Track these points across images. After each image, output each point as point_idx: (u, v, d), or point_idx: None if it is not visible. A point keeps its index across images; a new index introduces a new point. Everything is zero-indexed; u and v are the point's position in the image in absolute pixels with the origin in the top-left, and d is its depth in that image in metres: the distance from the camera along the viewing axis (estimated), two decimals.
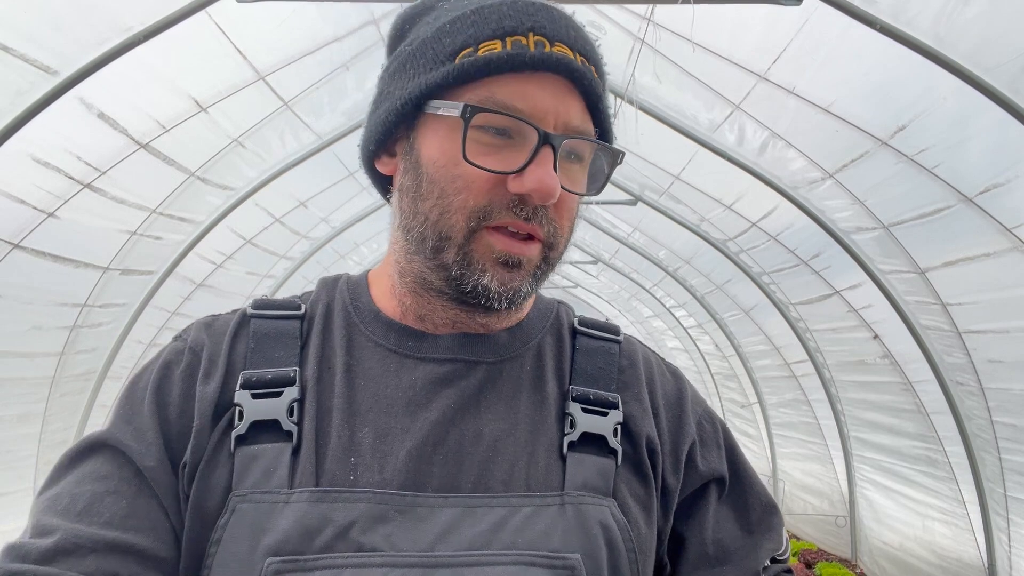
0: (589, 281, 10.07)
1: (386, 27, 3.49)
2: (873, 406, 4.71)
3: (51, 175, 2.88)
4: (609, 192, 5.56)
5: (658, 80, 3.72)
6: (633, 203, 5.43)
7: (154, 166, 3.33)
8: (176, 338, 0.72)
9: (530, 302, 0.78)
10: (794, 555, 5.62)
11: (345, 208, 5.48)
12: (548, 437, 0.68)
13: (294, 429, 0.63)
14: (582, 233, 7.80)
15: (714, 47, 3.21)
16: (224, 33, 2.93)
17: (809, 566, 5.35)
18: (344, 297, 0.74)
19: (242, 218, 4.42)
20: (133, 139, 3.08)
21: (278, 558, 0.56)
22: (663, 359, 0.84)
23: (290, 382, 0.65)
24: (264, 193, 4.32)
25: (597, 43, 0.69)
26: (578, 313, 0.82)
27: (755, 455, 7.24)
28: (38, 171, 2.81)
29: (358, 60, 3.67)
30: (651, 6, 3.08)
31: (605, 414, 0.70)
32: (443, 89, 0.62)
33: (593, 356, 0.75)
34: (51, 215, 3.00)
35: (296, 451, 0.62)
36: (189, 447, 0.62)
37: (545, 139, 0.60)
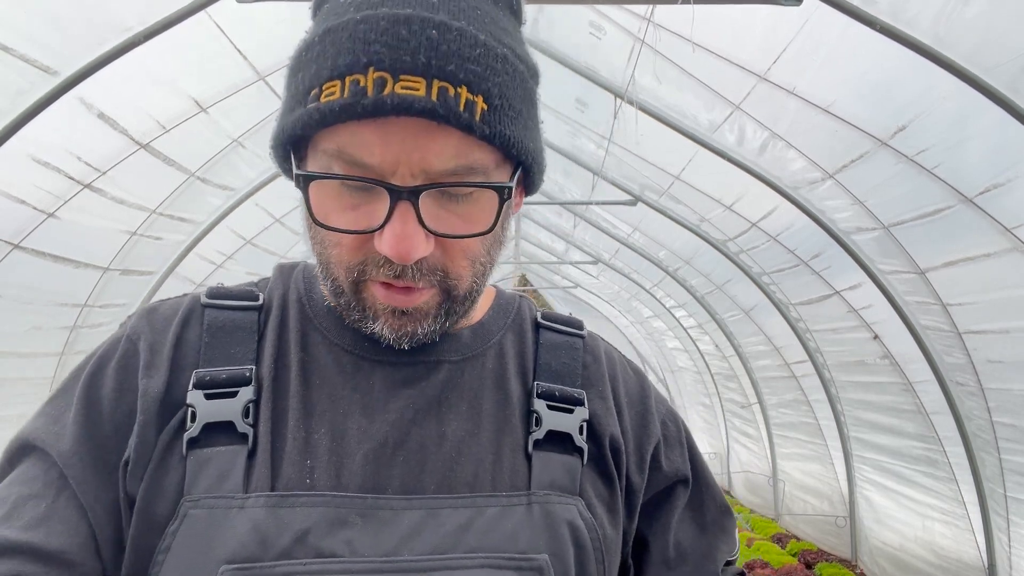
0: (589, 281, 10.07)
1: None
2: (873, 406, 4.71)
3: (51, 175, 2.88)
4: (609, 192, 5.56)
5: (658, 80, 3.72)
6: (633, 203, 5.43)
7: (154, 166, 3.33)
8: (121, 326, 0.68)
9: (489, 299, 0.76)
10: (794, 555, 5.62)
11: None
12: (513, 436, 0.66)
13: (249, 431, 0.60)
14: (582, 233, 7.80)
15: (714, 47, 3.22)
16: (224, 33, 2.93)
17: (809, 566, 5.35)
18: (299, 288, 0.71)
19: (242, 218, 4.42)
20: (133, 139, 3.08)
21: (232, 566, 0.54)
22: (625, 356, 0.82)
23: (246, 382, 0.62)
24: (264, 193, 4.32)
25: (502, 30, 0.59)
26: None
27: (755, 455, 7.25)
28: (38, 171, 2.81)
29: None
30: (651, 6, 3.08)
31: (571, 411, 0.68)
32: (303, 133, 0.56)
33: (557, 351, 0.73)
34: (51, 215, 3.00)
35: (251, 454, 0.59)
36: (131, 444, 0.59)
37: (397, 195, 0.54)
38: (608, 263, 8.15)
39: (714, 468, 8.87)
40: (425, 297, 0.60)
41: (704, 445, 9.31)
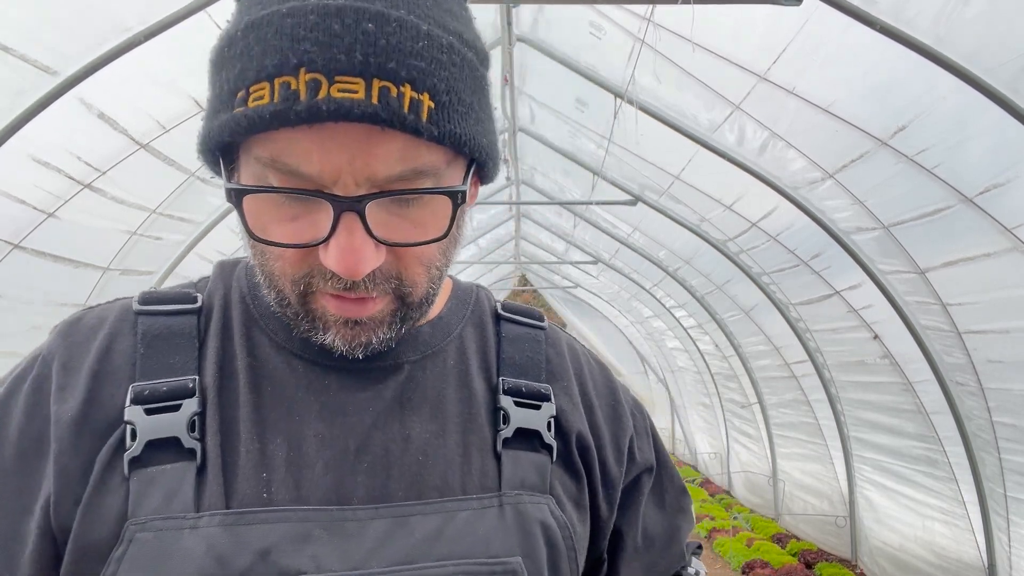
0: (589, 281, 10.07)
1: None
2: (873, 406, 4.71)
3: (51, 175, 2.88)
4: (609, 192, 5.56)
5: (658, 80, 3.72)
6: (633, 203, 5.43)
7: (154, 166, 3.33)
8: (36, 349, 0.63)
9: (446, 290, 0.72)
10: (794, 555, 5.62)
11: None
12: (480, 435, 0.63)
13: (197, 446, 0.55)
14: (582, 233, 7.81)
15: (714, 47, 3.21)
16: None
17: (809, 566, 5.35)
18: (242, 287, 0.65)
19: None
20: (133, 139, 3.08)
21: None
22: (587, 348, 0.80)
23: (189, 393, 0.57)
24: None
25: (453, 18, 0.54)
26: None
27: (755, 455, 7.25)
28: (38, 171, 2.81)
29: None
30: (651, 6, 3.08)
31: (538, 407, 0.66)
32: (231, 139, 0.51)
33: (520, 344, 0.70)
34: (51, 215, 3.00)
35: (201, 470, 0.55)
36: (50, 476, 0.54)
37: (341, 206, 0.50)
38: (608, 263, 8.15)
39: (714, 468, 8.87)
40: (379, 306, 0.56)
41: (704, 445, 9.32)
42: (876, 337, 4.31)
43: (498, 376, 0.67)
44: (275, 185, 0.51)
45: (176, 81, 3.05)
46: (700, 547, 0.81)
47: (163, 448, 0.55)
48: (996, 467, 3.58)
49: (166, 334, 0.60)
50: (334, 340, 0.57)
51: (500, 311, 0.72)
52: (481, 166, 0.58)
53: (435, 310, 0.69)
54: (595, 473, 0.69)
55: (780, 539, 6.04)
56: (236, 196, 0.52)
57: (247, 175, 0.53)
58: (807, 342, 5.18)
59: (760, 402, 6.63)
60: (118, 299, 0.65)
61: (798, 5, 2.47)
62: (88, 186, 3.07)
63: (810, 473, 6.01)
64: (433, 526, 0.57)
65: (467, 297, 0.73)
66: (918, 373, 4.02)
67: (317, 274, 0.54)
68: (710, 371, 7.97)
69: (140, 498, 0.53)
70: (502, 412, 0.65)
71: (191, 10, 2.56)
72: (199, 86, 3.14)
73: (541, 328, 0.73)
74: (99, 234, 3.41)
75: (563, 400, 0.69)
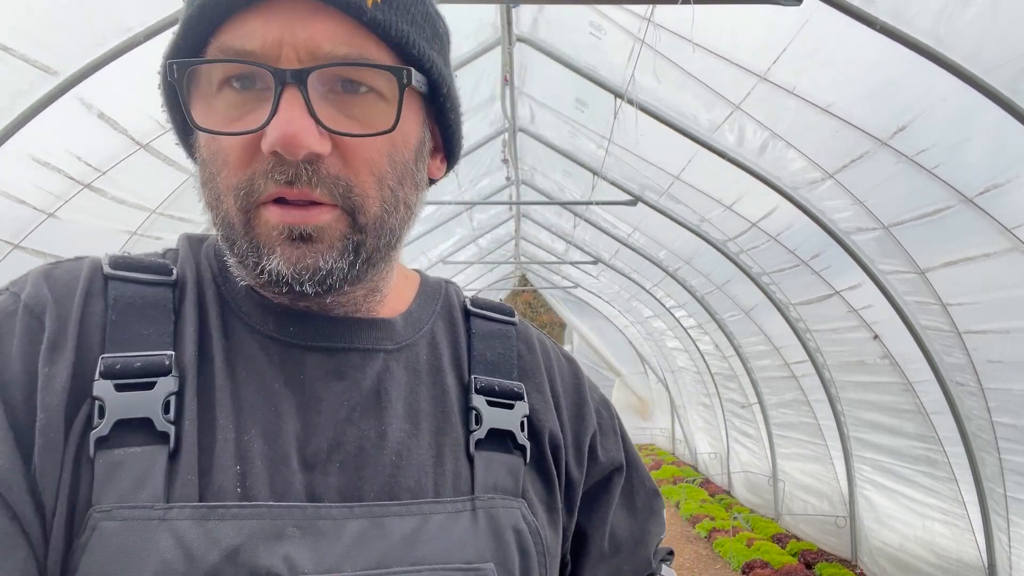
0: (589, 281, 10.07)
1: None
2: (873, 406, 4.71)
3: (51, 175, 2.88)
4: (609, 192, 5.56)
5: (658, 80, 3.72)
6: (633, 203, 5.44)
7: (154, 166, 3.33)
8: (2, 292, 0.55)
9: (414, 284, 0.70)
10: (794, 555, 5.62)
11: None
12: (453, 435, 0.61)
13: (170, 430, 0.51)
14: (582, 233, 7.81)
15: (714, 47, 3.22)
16: None
17: (809, 566, 5.35)
18: (212, 267, 0.61)
19: None
20: (133, 139, 3.08)
21: None
22: (556, 344, 0.78)
23: (164, 371, 0.53)
24: None
25: None
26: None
27: (755, 455, 7.25)
28: (38, 171, 2.82)
29: None
30: (651, 6, 3.08)
31: (511, 407, 0.64)
32: (193, 46, 0.52)
33: (491, 341, 0.68)
34: (51, 215, 3.00)
35: (173, 456, 0.51)
36: (36, 449, 0.49)
37: (284, 78, 0.49)
38: (608, 263, 8.15)
39: (714, 468, 8.87)
40: (326, 216, 0.52)
41: (704, 445, 9.32)
42: (876, 337, 4.31)
43: (470, 374, 0.65)
44: (212, 74, 0.51)
45: None
46: (672, 553, 0.79)
47: (133, 429, 0.51)
48: (996, 467, 3.58)
49: (139, 304, 0.55)
50: (279, 264, 0.52)
51: (469, 307, 0.70)
52: (435, 91, 0.57)
53: (404, 303, 0.67)
54: (562, 474, 0.67)
55: (780, 539, 6.04)
56: (178, 73, 0.51)
57: (197, 98, 0.53)
58: (807, 342, 5.18)
59: (760, 402, 6.63)
60: (82, 257, 0.59)
61: (798, 5, 2.47)
62: (88, 186, 3.07)
63: (810, 473, 6.01)
64: (408, 529, 0.55)
65: (436, 292, 0.71)
66: (918, 373, 4.02)
67: (259, 173, 0.51)
68: (710, 371, 7.97)
69: (105, 483, 0.49)
70: (474, 412, 0.63)
71: None
72: None
73: (512, 324, 0.71)
74: (99, 234, 3.41)
75: (535, 398, 0.67)
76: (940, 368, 3.73)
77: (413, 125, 0.57)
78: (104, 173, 3.09)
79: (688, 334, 8.01)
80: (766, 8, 2.70)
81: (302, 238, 0.52)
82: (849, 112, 3.09)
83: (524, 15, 3.97)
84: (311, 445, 0.55)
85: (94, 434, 0.50)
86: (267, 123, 0.49)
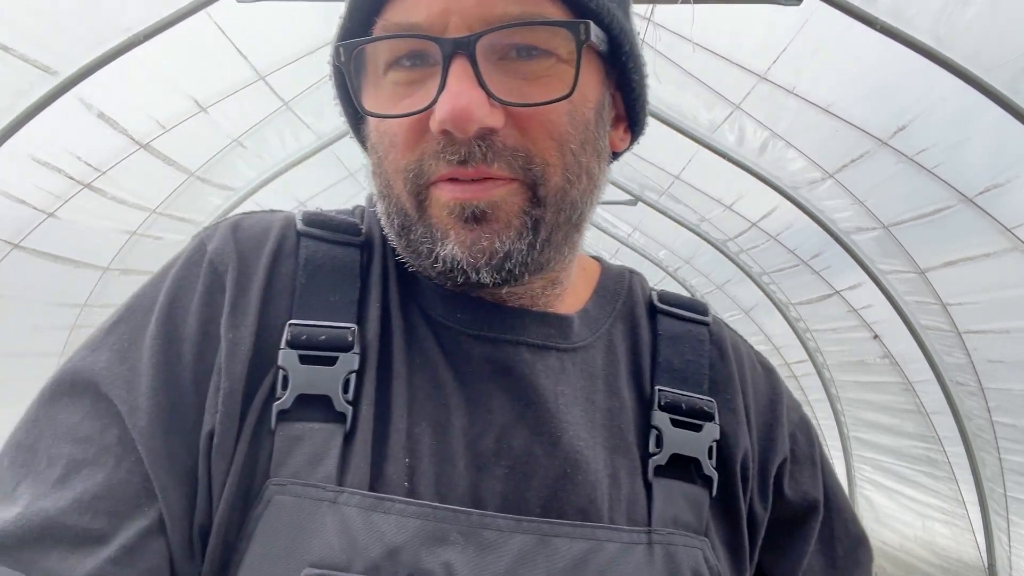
0: None
1: None
2: (873, 406, 4.71)
3: (51, 175, 2.88)
4: (609, 192, 5.56)
5: (658, 80, 3.72)
6: (633, 203, 5.43)
7: (154, 166, 3.33)
8: (195, 238, 0.54)
9: (592, 278, 0.62)
10: None
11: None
12: (629, 456, 0.53)
13: (348, 411, 0.49)
14: None
15: (714, 47, 3.21)
16: (224, 33, 2.93)
17: None
18: (388, 241, 0.56)
19: None
20: (133, 139, 3.08)
21: (317, 571, 0.45)
22: (752, 347, 0.66)
23: (347, 347, 0.50)
24: (264, 193, 4.32)
25: None
26: None
27: None
28: (38, 171, 2.81)
29: None
30: (651, 6, 3.08)
31: (699, 428, 0.55)
32: (361, 29, 0.50)
33: (680, 345, 0.59)
34: (51, 215, 3.00)
35: (348, 438, 0.49)
36: (217, 414, 0.48)
37: (451, 48, 0.45)
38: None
39: None
40: (500, 190, 0.47)
41: None
42: (876, 337, 4.30)
43: (652, 385, 0.57)
44: (380, 53, 0.48)
45: (176, 81, 3.05)
46: None
47: (312, 404, 0.49)
48: (996, 467, 3.57)
49: (329, 267, 0.53)
50: (453, 249, 0.48)
51: (656, 302, 0.61)
52: (617, 52, 0.51)
53: (581, 299, 0.60)
54: (745, 508, 0.58)
55: None
56: (345, 55, 0.48)
57: (369, 85, 0.51)
58: (807, 342, 5.18)
59: None
60: (274, 211, 0.57)
61: (798, 5, 2.47)
62: (88, 186, 3.07)
63: None
64: (578, 553, 0.48)
65: (617, 286, 0.62)
66: (918, 373, 4.02)
67: (428, 154, 0.48)
68: None
69: (283, 456, 0.47)
70: (656, 432, 0.54)
71: (191, 10, 2.56)
72: (199, 86, 3.15)
73: (705, 324, 0.61)
74: (99, 234, 3.41)
75: (727, 418, 0.57)
76: (940, 368, 3.73)
77: (593, 86, 0.51)
78: (104, 173, 3.09)
79: None
80: (766, 8, 2.70)
81: (475, 218, 0.48)
82: (849, 112, 3.09)
83: None
84: (478, 445, 0.51)
85: (277, 406, 0.48)
86: (435, 100, 0.46)
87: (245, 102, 3.42)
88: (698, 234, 5.35)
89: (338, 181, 4.90)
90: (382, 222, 0.54)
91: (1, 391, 3.31)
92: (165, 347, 0.49)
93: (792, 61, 3.01)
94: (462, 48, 0.45)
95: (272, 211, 0.57)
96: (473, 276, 0.49)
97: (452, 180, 0.48)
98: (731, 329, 0.65)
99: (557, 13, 0.47)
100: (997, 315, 3.18)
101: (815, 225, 3.96)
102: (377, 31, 0.48)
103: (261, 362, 0.50)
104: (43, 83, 2.51)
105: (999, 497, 3.60)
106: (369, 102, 0.50)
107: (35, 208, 2.92)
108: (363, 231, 0.56)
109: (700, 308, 0.62)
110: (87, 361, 0.49)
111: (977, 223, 2.97)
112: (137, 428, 0.46)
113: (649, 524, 0.52)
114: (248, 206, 4.32)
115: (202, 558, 0.47)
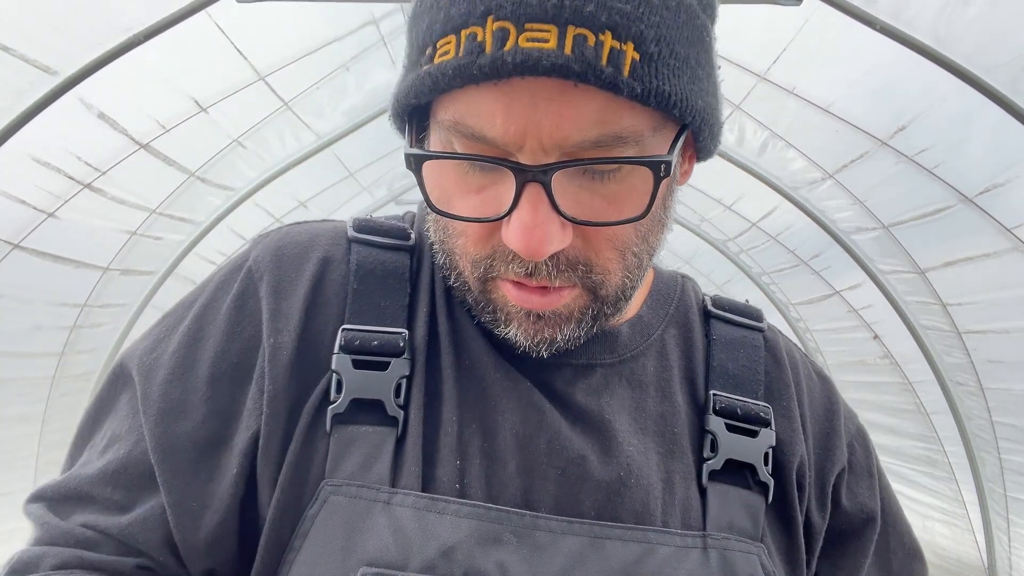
0: None
1: (386, 27, 3.49)
2: (873, 406, 4.71)
3: (51, 175, 2.88)
4: None
5: None
6: None
7: (154, 166, 3.33)
8: (249, 243, 0.58)
9: (646, 284, 0.62)
10: None
11: (345, 208, 5.48)
12: (683, 461, 0.54)
13: (400, 415, 0.51)
14: None
15: None
16: (224, 33, 2.93)
17: None
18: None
19: (242, 218, 4.42)
20: (133, 139, 3.08)
21: (374, 569, 0.46)
22: (807, 355, 0.67)
23: (398, 352, 0.52)
24: (264, 193, 4.31)
25: None
26: None
27: None
28: (38, 171, 2.81)
29: (358, 60, 3.67)
30: None
31: (755, 434, 0.55)
32: (417, 101, 0.48)
33: (734, 350, 0.59)
34: (51, 215, 3.00)
35: (400, 441, 0.50)
36: (263, 416, 0.50)
37: (524, 176, 0.44)
38: None
39: None
40: (565, 299, 0.49)
41: None
42: (876, 337, 4.30)
43: (707, 389, 0.57)
44: (459, 152, 0.46)
45: (176, 81, 3.05)
46: None
47: (365, 408, 0.51)
48: (996, 467, 3.57)
49: (380, 272, 0.55)
50: (516, 334, 0.51)
51: (710, 307, 0.62)
52: (696, 135, 0.49)
53: (634, 307, 0.60)
54: (802, 519, 0.58)
55: None
56: (415, 163, 0.46)
57: (434, 142, 0.49)
58: (807, 342, 5.18)
59: None
60: (326, 220, 0.59)
61: (798, 5, 2.47)
62: (88, 186, 3.07)
63: None
64: (631, 556, 0.49)
65: (670, 291, 0.63)
66: (918, 373, 4.02)
67: (499, 256, 0.48)
68: None
69: (339, 458, 0.50)
70: (711, 437, 0.55)
71: (191, 10, 2.56)
72: (199, 86, 3.15)
73: (759, 330, 0.62)
74: (99, 234, 3.41)
75: (782, 425, 0.58)
76: (940, 368, 3.73)
77: (666, 182, 0.49)
78: (104, 173, 3.09)
79: None
80: (766, 8, 2.71)
81: (539, 316, 0.50)
82: (849, 112, 3.09)
83: None
84: (531, 448, 0.51)
85: (332, 410, 0.51)
86: (507, 215, 0.45)
87: (245, 102, 3.42)
88: (698, 234, 5.35)
89: (338, 181, 4.90)
90: (438, 262, 0.55)
91: (1, 391, 3.31)
92: (189, 343, 0.53)
93: (792, 61, 3.01)
94: (537, 177, 0.44)
95: (323, 220, 0.60)
96: (533, 354, 0.52)
97: (517, 284, 0.49)
98: (785, 337, 0.65)
99: (640, 120, 0.44)
100: (997, 315, 3.18)
101: (815, 225, 3.96)
102: (445, 118, 0.46)
103: (309, 366, 0.52)
104: (43, 83, 2.51)
105: (999, 497, 3.60)
106: (434, 178, 0.48)
107: (35, 208, 2.92)
108: (412, 235, 0.57)
109: (755, 314, 0.63)
110: (134, 345, 0.56)
111: (977, 223, 2.97)
112: (146, 415, 0.51)
113: (704, 529, 0.52)
114: (248, 206, 4.32)
115: (222, 549, 0.51)
